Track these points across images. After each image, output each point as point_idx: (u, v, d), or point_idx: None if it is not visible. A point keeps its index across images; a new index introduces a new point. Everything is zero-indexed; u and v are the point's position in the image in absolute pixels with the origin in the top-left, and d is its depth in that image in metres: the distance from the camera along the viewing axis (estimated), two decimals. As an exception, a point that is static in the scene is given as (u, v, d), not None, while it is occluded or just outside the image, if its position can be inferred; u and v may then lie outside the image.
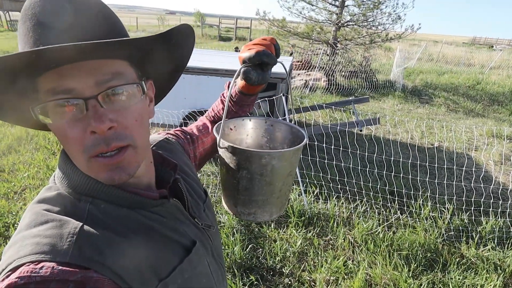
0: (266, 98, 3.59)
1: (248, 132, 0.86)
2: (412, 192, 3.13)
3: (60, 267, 0.39)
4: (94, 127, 0.43)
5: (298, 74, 9.35)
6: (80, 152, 0.45)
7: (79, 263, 0.41)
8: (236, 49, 11.58)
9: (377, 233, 2.81)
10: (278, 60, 0.71)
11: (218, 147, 0.70)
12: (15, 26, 20.28)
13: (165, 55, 0.54)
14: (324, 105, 4.17)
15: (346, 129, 3.19)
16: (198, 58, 4.46)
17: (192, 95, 3.92)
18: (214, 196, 3.30)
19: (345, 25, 9.62)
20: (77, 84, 0.42)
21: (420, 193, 3.16)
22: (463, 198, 3.04)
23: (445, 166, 2.90)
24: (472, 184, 3.48)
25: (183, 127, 0.85)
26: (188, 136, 0.82)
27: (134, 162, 0.49)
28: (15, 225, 2.72)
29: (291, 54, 10.48)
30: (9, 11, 20.35)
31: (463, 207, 3.04)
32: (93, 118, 0.43)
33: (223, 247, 2.55)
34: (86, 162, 0.46)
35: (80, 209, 0.47)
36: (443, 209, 3.11)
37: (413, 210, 3.11)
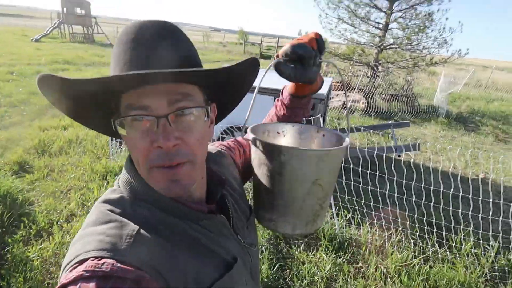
0: (304, 119, 3.63)
1: (295, 137, 0.79)
2: (452, 225, 2.96)
3: (119, 265, 0.43)
4: (161, 143, 0.48)
5: (337, 95, 9.31)
6: (144, 162, 0.50)
7: (134, 263, 0.44)
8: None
9: (412, 265, 2.69)
10: (317, 59, 0.65)
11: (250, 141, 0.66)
12: (76, 38, 22.26)
13: (230, 83, 0.60)
14: (362, 127, 4.12)
15: (384, 154, 3.12)
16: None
17: (243, 113, 4.07)
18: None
19: (387, 47, 9.49)
20: (152, 103, 0.48)
21: (461, 227, 2.98)
22: (510, 237, 2.82)
23: (491, 200, 2.71)
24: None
25: (238, 138, 0.87)
26: (241, 149, 0.85)
27: (191, 178, 0.53)
28: (59, 222, 2.95)
29: (326, 75, 10.48)
30: (72, 24, 22.53)
31: (510, 246, 2.82)
32: (161, 135, 0.48)
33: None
34: (148, 171, 0.51)
35: (138, 213, 0.52)
36: (487, 246, 2.90)
37: (453, 244, 2.93)
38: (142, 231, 0.49)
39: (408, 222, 3.08)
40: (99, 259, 0.43)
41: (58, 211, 3.12)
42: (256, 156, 0.64)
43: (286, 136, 0.80)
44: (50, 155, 4.34)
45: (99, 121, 0.57)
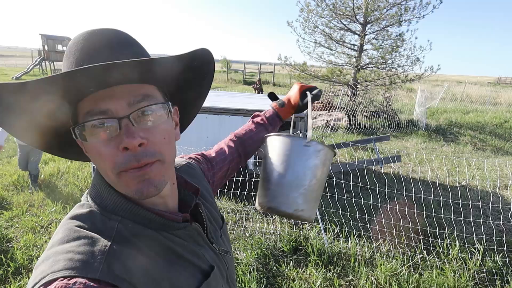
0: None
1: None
2: (437, 230, 3.00)
3: (91, 283, 0.41)
4: (126, 142, 0.46)
5: (320, 115, 9.55)
6: (112, 168, 0.48)
7: (108, 280, 0.42)
8: (255, 85, 12.03)
9: (401, 274, 2.68)
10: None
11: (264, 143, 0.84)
12: None
13: (188, 81, 0.59)
14: (344, 143, 4.22)
15: (364, 166, 3.19)
16: (220, 99, 4.76)
17: (214, 134, 4.13)
18: (233, 233, 3.32)
19: (364, 67, 9.91)
20: (111, 106, 0.47)
21: (446, 232, 3.02)
22: (493, 238, 2.87)
23: (472, 203, 2.79)
24: (501, 222, 3.29)
25: (204, 152, 0.90)
26: (209, 162, 0.86)
27: (161, 176, 0.51)
28: (38, 258, 2.83)
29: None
30: (53, 61, 22.63)
31: (495, 248, 2.86)
32: (125, 135, 0.46)
33: (239, 285, 2.52)
34: (116, 177, 0.48)
35: (109, 227, 0.49)
36: (473, 249, 2.93)
37: (441, 250, 2.95)
38: (114, 245, 0.46)
39: (394, 231, 3.11)
40: (69, 278, 0.40)
41: (38, 246, 3.01)
42: (275, 154, 0.78)
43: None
44: (31, 189, 4.25)
45: (60, 142, 0.55)
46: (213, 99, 4.78)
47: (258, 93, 11.20)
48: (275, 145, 0.78)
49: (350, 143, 4.26)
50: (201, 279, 0.56)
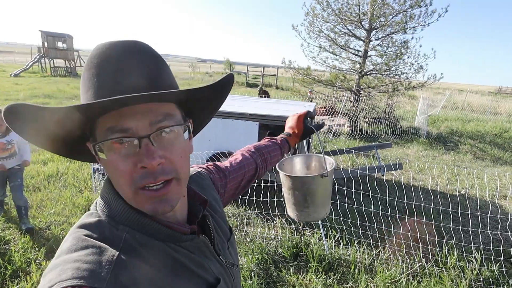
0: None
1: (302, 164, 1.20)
2: (436, 239, 3.05)
3: None
4: (146, 163, 0.47)
5: (322, 120, 9.62)
6: (129, 184, 0.49)
7: None
8: (260, 90, 12.05)
9: (401, 281, 2.73)
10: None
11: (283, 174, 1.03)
12: (57, 72, 21.84)
13: (207, 100, 0.61)
14: (346, 149, 4.27)
15: (367, 173, 3.24)
16: (224, 102, 4.80)
17: (217, 137, 4.16)
18: (235, 237, 3.36)
19: (368, 73, 9.98)
20: (133, 124, 0.47)
21: (445, 240, 3.07)
22: (491, 247, 2.92)
23: (471, 213, 2.84)
24: (498, 231, 3.33)
25: (217, 162, 0.91)
26: (221, 172, 0.87)
27: (177, 194, 0.52)
28: (37, 260, 2.81)
29: (311, 101, 10.86)
30: (53, 58, 22.51)
31: (492, 257, 2.91)
32: (145, 155, 0.47)
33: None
34: (133, 193, 0.49)
35: (117, 237, 0.50)
36: (471, 258, 2.98)
37: (439, 258, 3.00)
38: (122, 255, 0.47)
39: (394, 239, 3.15)
40: None
41: (37, 249, 2.97)
42: (286, 183, 1.03)
43: (296, 164, 1.18)
44: (29, 191, 4.17)
45: (72, 147, 0.55)
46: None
47: (263, 96, 11.25)
48: (299, 182, 1.01)
49: (352, 149, 4.31)
50: None
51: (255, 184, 3.80)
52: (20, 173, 3.35)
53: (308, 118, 1.11)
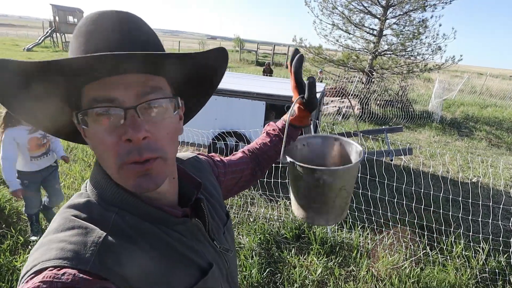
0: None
1: (317, 147, 0.93)
2: (443, 227, 2.97)
3: (80, 275, 0.40)
4: (131, 135, 0.44)
5: (332, 101, 9.38)
6: (113, 158, 0.46)
7: (99, 273, 0.42)
8: (264, 69, 11.78)
9: (403, 268, 2.69)
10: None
11: (286, 163, 0.79)
12: (69, 47, 22.40)
13: (199, 77, 0.57)
14: (356, 132, 4.15)
15: (374, 158, 3.14)
16: (230, 80, 4.69)
17: (222, 116, 4.09)
18: (237, 217, 3.35)
19: (382, 54, 9.59)
20: (119, 95, 0.45)
21: (452, 229, 2.99)
22: (501, 238, 2.83)
23: (482, 203, 2.73)
24: (510, 222, 3.23)
25: (218, 155, 0.87)
26: (221, 162, 0.83)
27: (162, 173, 0.50)
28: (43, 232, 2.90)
29: (321, 81, 10.58)
30: (65, 33, 22.47)
31: (501, 248, 2.83)
32: (130, 126, 0.45)
33: (240, 269, 2.57)
34: (118, 168, 0.47)
35: (106, 218, 0.48)
36: (478, 248, 2.90)
37: (444, 247, 2.93)
38: (109, 237, 0.46)
39: (399, 225, 3.09)
40: (58, 268, 0.40)
41: (45, 221, 3.05)
42: (295, 173, 0.79)
43: (310, 147, 0.92)
44: None
45: (69, 127, 0.52)
46: (222, 80, 4.71)
47: (267, 75, 11.02)
48: (311, 179, 0.77)
49: (360, 132, 4.18)
50: (198, 276, 0.55)
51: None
52: (57, 173, 2.79)
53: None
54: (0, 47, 20.26)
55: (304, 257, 2.82)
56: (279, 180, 3.48)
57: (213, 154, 0.85)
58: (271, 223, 3.24)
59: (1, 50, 18.21)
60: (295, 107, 0.86)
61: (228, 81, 4.65)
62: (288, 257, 2.79)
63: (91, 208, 0.49)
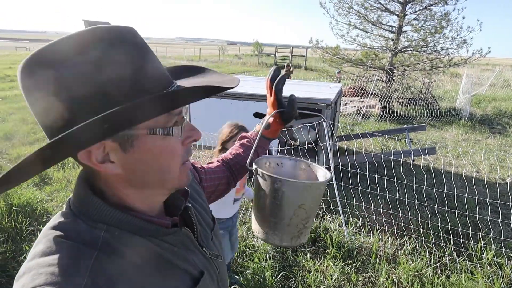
0: (307, 124, 3.58)
1: (290, 169, 0.95)
2: (471, 231, 2.77)
3: None
4: (196, 136, 0.53)
5: (351, 101, 9.16)
6: (178, 162, 0.52)
7: None
8: (287, 66, 11.70)
9: (426, 275, 2.52)
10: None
11: (253, 170, 0.81)
12: None
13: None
14: (374, 132, 3.99)
15: (391, 158, 2.99)
16: (246, 84, 4.68)
17: (237, 118, 4.07)
18: (252, 219, 3.30)
19: (402, 50, 9.27)
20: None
21: (481, 233, 2.78)
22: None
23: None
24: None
25: (197, 161, 0.89)
26: (199, 169, 0.84)
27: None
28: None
29: (339, 81, 10.37)
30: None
31: (538, 255, 2.59)
32: (193, 130, 0.53)
33: (255, 272, 2.52)
34: (180, 170, 0.53)
35: (94, 236, 0.47)
36: None
37: (473, 253, 2.73)
38: (100, 257, 0.45)
39: (422, 229, 2.91)
40: None
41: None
42: (257, 183, 0.79)
43: (283, 167, 0.94)
44: (70, 167, 4.48)
45: None
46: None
47: (288, 77, 10.93)
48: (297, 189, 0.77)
49: (376, 133, 4.02)
50: (190, 285, 0.54)
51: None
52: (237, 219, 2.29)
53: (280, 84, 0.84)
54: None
55: (320, 262, 2.72)
56: (294, 183, 3.39)
57: (193, 161, 0.85)
58: (286, 228, 3.17)
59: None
60: (269, 120, 0.88)
61: (244, 84, 4.65)
62: (303, 261, 2.71)
63: (78, 228, 0.47)
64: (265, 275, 2.46)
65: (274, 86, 0.83)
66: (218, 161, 0.93)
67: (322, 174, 0.87)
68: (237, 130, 1.96)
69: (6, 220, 2.84)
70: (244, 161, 0.91)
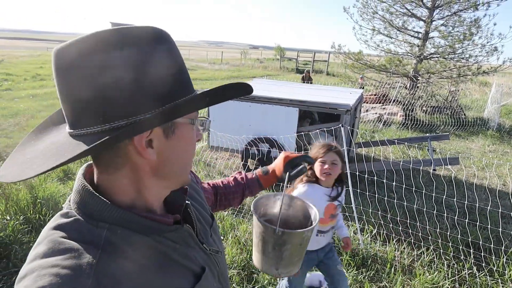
0: (324, 128, 3.56)
1: (285, 207, 1.01)
2: (493, 246, 2.66)
3: None
4: (201, 136, 0.59)
5: (373, 108, 9.00)
6: (192, 157, 0.57)
7: None
8: (303, 76, 11.66)
9: (443, 288, 2.45)
10: None
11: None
12: None
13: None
14: (393, 140, 3.92)
15: (411, 166, 2.92)
16: (265, 87, 4.72)
17: (257, 122, 4.12)
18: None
19: (428, 57, 9.02)
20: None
21: (503, 248, 2.67)
22: None
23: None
24: None
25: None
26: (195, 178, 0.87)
27: None
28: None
29: (362, 87, 10.21)
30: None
31: None
32: (199, 130, 0.58)
33: (265, 278, 2.53)
34: (189, 166, 0.58)
35: (97, 235, 0.47)
36: (536, 273, 2.55)
37: (495, 268, 2.62)
38: (104, 256, 0.45)
39: (440, 240, 2.83)
40: None
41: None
42: (257, 228, 0.87)
43: (278, 206, 0.99)
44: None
45: None
46: (257, 87, 4.76)
47: (307, 83, 10.90)
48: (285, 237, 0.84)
49: (395, 140, 3.94)
50: (193, 282, 0.55)
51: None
52: (335, 253, 2.00)
53: (290, 171, 0.96)
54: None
55: (333, 268, 2.69)
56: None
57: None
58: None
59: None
60: (270, 168, 1.01)
61: (263, 88, 4.69)
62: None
63: (80, 227, 0.47)
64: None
65: (292, 173, 0.95)
66: (208, 183, 0.97)
67: (314, 212, 0.94)
68: (325, 150, 1.76)
69: (31, 212, 2.98)
70: (229, 194, 0.98)
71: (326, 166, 1.75)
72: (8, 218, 2.84)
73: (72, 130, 0.47)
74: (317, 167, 1.77)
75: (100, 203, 0.48)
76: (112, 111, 0.44)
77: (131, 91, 0.44)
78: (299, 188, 1.82)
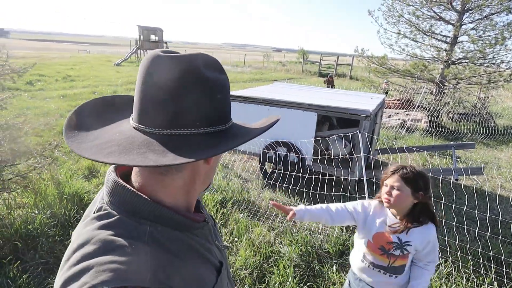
0: (342, 134, 3.53)
1: None
2: (515, 261, 2.55)
3: None
4: None
5: (396, 113, 8.79)
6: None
7: (155, 287, 0.45)
8: (325, 80, 11.54)
9: (460, 302, 2.37)
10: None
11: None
12: None
13: None
14: (413, 147, 3.83)
15: (430, 175, 2.84)
16: (283, 91, 4.74)
17: (275, 126, 4.13)
18: (281, 226, 3.35)
19: (456, 62, 8.70)
20: None
21: (527, 265, 2.55)
22: None
23: None
24: None
25: None
26: None
27: None
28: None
29: (386, 93, 9.97)
30: (147, 50, 25.21)
31: None
32: None
33: (277, 279, 2.56)
34: None
35: (141, 231, 0.50)
36: None
37: (517, 285, 2.51)
38: (153, 251, 0.48)
39: (459, 253, 2.74)
40: None
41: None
42: None
43: None
44: None
45: None
46: (277, 91, 4.80)
47: (330, 87, 10.80)
48: None
49: (415, 147, 3.84)
50: (216, 275, 0.61)
51: (306, 176, 3.70)
52: None
53: None
54: (96, 62, 23.79)
55: (346, 275, 2.68)
56: (324, 192, 3.39)
57: None
58: (314, 236, 3.16)
59: (97, 65, 21.32)
60: None
61: (281, 91, 4.72)
62: (328, 273, 2.69)
63: (126, 225, 0.50)
64: (289, 279, 2.50)
65: None
66: None
67: None
68: (390, 171, 1.52)
69: (58, 207, 3.13)
70: None
71: (387, 190, 1.47)
72: (36, 212, 3.02)
73: (168, 130, 0.51)
74: (384, 189, 1.51)
75: (146, 202, 0.52)
76: (219, 120, 0.56)
77: (229, 105, 0.59)
78: (372, 201, 1.63)
